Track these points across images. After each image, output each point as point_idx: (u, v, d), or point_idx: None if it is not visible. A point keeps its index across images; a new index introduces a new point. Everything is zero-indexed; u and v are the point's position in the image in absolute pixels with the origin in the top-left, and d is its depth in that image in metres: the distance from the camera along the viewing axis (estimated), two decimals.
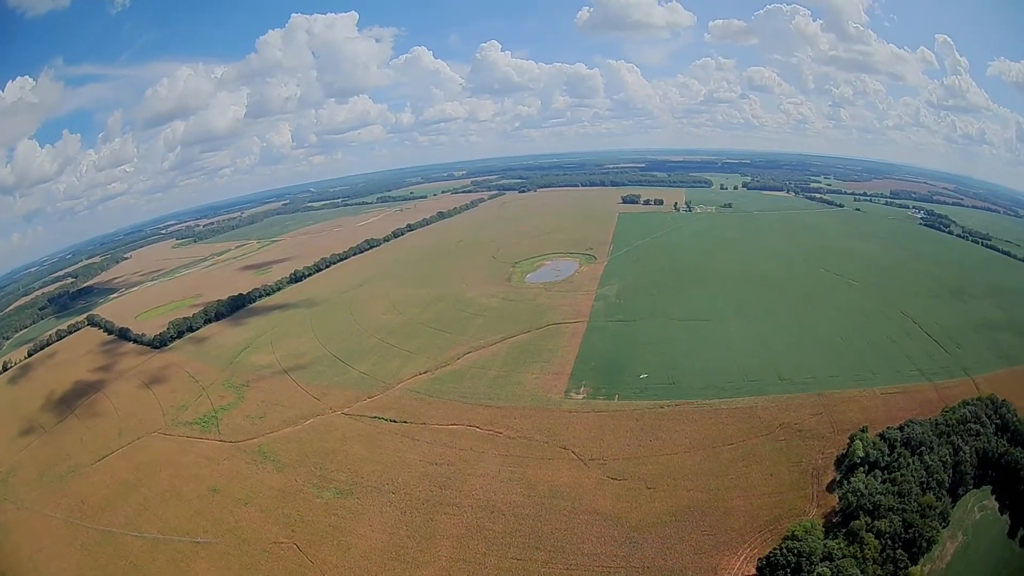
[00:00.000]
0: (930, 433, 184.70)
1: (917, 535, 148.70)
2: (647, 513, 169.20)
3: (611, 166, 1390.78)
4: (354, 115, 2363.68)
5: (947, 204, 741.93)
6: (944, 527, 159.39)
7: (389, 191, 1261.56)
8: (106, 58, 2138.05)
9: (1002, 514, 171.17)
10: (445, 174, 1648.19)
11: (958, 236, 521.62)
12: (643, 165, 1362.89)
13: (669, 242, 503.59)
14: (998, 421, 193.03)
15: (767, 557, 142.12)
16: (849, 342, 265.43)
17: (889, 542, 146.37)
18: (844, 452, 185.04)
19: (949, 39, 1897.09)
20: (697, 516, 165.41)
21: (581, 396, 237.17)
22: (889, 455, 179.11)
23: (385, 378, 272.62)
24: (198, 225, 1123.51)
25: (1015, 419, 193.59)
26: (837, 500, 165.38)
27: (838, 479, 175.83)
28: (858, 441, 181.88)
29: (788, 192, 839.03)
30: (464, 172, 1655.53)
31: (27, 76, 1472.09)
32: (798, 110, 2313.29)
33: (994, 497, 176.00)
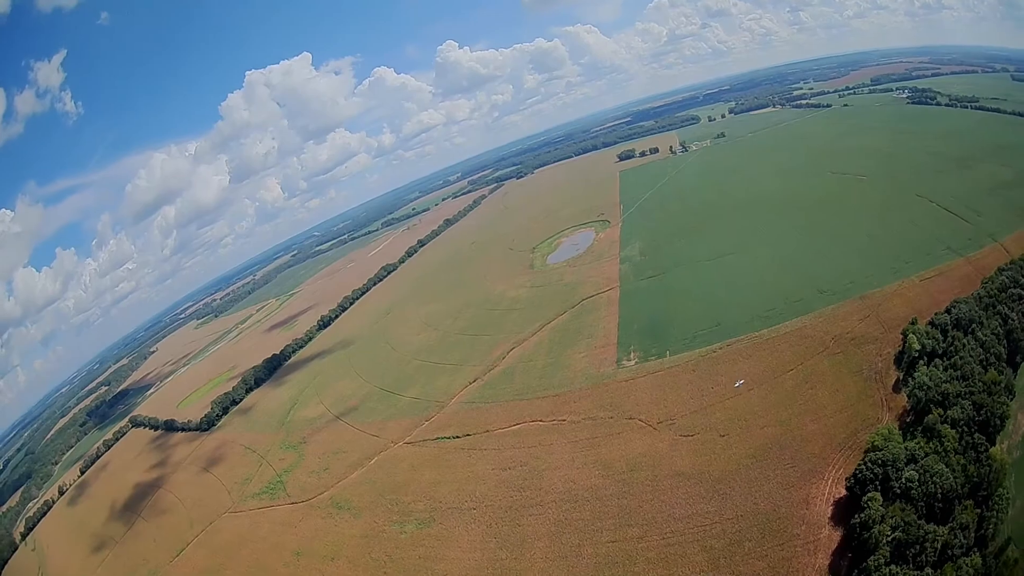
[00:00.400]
0: (976, 309, 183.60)
1: (989, 415, 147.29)
2: (727, 462, 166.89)
3: (598, 129, 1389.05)
4: (336, 151, 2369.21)
5: (927, 77, 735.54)
6: (1011, 399, 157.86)
7: (391, 213, 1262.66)
8: (77, 167, 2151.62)
9: None
10: (441, 182, 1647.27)
11: (946, 106, 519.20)
12: (628, 119, 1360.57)
13: (675, 187, 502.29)
14: None
15: (854, 475, 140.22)
16: (875, 238, 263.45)
17: (965, 429, 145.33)
18: (900, 349, 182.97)
19: None
20: (776, 452, 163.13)
21: (633, 362, 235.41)
22: (944, 341, 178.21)
23: (437, 397, 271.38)
24: (214, 300, 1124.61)
25: None
26: (906, 399, 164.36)
27: (901, 377, 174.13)
28: (911, 335, 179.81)
29: (774, 107, 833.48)
30: (459, 175, 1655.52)
31: (3, 209, 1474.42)
32: (760, 24, 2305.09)
33: None
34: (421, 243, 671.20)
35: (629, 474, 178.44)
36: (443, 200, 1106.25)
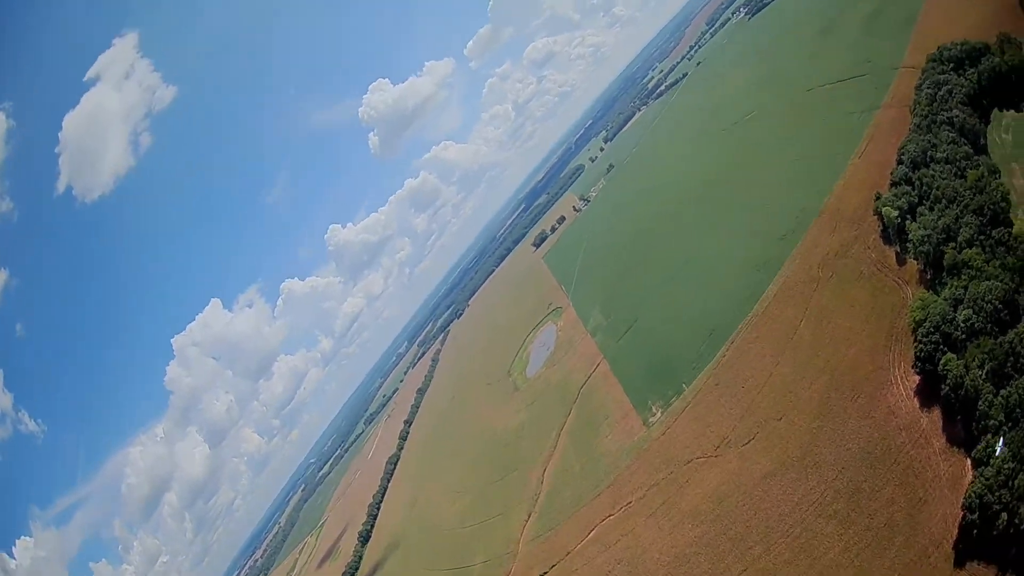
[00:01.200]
0: (921, 136, 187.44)
1: (994, 209, 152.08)
2: (799, 437, 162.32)
3: (501, 231, 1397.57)
4: (287, 379, 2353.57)
5: None
6: (999, 177, 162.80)
7: (367, 410, 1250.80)
8: (68, 483, 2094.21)
9: None
10: (394, 359, 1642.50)
11: None
12: (523, 206, 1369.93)
13: (598, 239, 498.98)
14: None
15: (916, 357, 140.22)
16: (799, 155, 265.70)
17: (981, 238, 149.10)
18: (882, 227, 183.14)
19: None
20: (835, 396, 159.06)
21: (659, 415, 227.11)
22: (914, 189, 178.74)
23: (505, 550, 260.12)
24: (256, 560, 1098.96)
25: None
26: (916, 263, 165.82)
27: (899, 249, 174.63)
28: (884, 209, 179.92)
29: (640, 110, 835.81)
30: (404, 344, 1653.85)
31: (22, 537, 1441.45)
32: (585, 44, 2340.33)
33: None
34: (408, 423, 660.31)
35: (720, 507, 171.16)
36: (405, 374, 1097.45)
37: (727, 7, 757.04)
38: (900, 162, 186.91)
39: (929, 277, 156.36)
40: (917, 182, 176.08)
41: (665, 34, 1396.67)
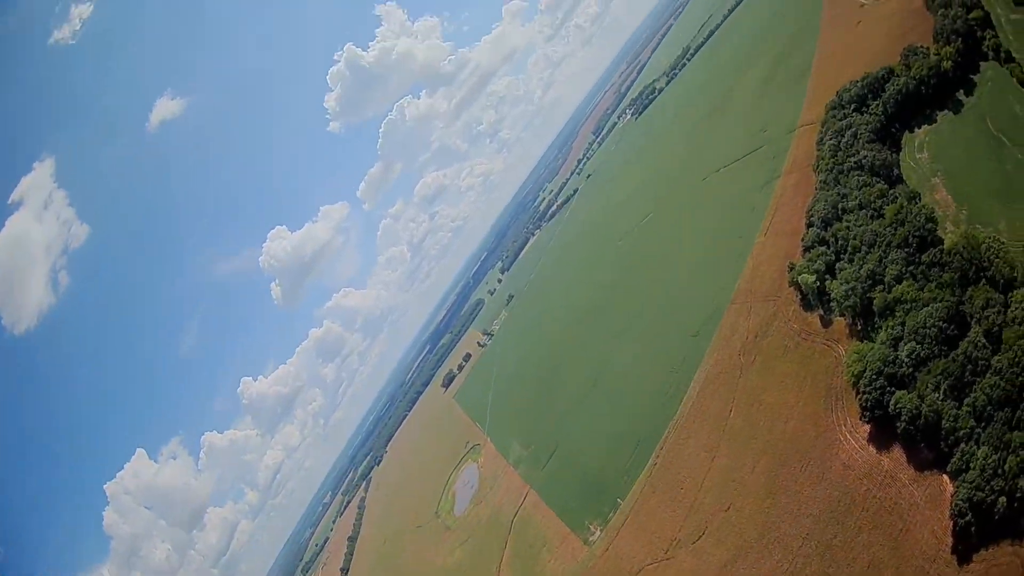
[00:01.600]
0: (830, 192, 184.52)
1: (921, 232, 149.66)
2: (750, 524, 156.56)
3: (409, 375, 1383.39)
4: (218, 529, 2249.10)
5: (637, 75, 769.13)
6: (919, 200, 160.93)
7: (301, 560, 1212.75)
8: None
9: None
10: (320, 508, 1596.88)
11: (670, 79, 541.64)
12: (428, 348, 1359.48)
13: (507, 370, 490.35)
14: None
15: (862, 407, 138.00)
16: (704, 247, 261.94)
17: (913, 268, 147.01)
18: (802, 296, 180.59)
19: None
20: (782, 475, 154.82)
21: (598, 533, 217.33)
22: (830, 247, 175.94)
23: None
24: None
25: None
26: (843, 319, 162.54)
27: (823, 312, 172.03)
28: (800, 277, 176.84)
29: (533, 235, 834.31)
30: (329, 493, 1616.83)
31: None
32: (474, 174, 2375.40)
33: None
34: (344, 570, 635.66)
35: None
36: (334, 523, 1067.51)
37: (613, 111, 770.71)
38: (810, 225, 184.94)
39: (860, 328, 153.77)
40: (832, 239, 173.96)
41: (553, 150, 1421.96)
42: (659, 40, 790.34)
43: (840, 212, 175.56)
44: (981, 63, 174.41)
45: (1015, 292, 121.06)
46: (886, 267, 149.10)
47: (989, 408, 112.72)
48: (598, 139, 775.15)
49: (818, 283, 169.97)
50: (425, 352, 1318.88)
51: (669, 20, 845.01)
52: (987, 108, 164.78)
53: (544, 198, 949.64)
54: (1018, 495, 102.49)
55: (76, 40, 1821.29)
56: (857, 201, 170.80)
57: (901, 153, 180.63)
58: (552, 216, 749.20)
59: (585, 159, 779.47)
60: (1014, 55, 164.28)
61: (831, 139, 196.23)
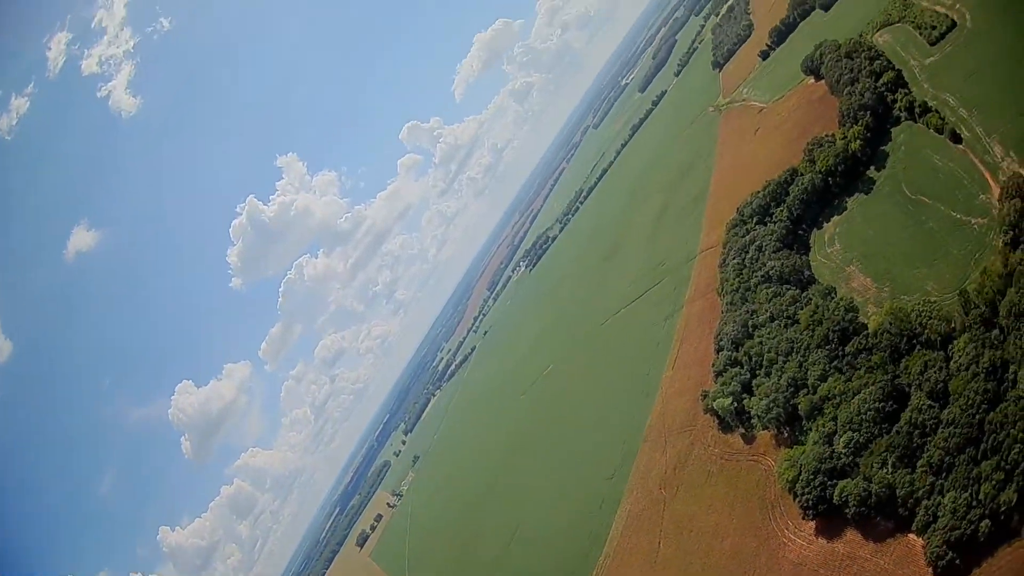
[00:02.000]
0: (738, 313, 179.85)
1: (841, 324, 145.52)
2: None
3: (323, 537, 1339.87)
4: None
5: (530, 223, 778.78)
6: (834, 296, 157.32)
7: None
8: None
9: None
10: None
11: (564, 224, 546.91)
12: (337, 510, 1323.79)
13: (422, 526, 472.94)
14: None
15: (803, 507, 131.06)
16: (610, 387, 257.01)
17: (835, 365, 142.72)
18: (719, 420, 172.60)
19: None
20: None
21: None
22: (744, 366, 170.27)
23: None
24: None
25: None
26: (767, 432, 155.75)
27: (744, 430, 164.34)
28: (715, 403, 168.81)
29: (434, 395, 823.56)
30: None
31: None
32: (372, 335, 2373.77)
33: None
34: None
35: None
36: None
37: (507, 265, 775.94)
38: (720, 349, 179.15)
39: (787, 436, 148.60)
40: (745, 359, 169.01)
41: (449, 309, 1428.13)
42: (551, 186, 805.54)
43: (751, 329, 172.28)
44: (892, 129, 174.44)
45: (955, 343, 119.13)
46: (808, 371, 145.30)
47: (947, 458, 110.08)
48: (493, 295, 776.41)
49: (735, 404, 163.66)
50: (336, 513, 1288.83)
51: (561, 164, 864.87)
52: (902, 175, 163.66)
53: (442, 357, 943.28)
54: (1003, 511, 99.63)
55: (11, 136, 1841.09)
56: (768, 314, 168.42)
57: (811, 253, 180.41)
58: (452, 375, 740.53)
59: (481, 316, 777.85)
60: (930, 103, 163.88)
61: (734, 258, 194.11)
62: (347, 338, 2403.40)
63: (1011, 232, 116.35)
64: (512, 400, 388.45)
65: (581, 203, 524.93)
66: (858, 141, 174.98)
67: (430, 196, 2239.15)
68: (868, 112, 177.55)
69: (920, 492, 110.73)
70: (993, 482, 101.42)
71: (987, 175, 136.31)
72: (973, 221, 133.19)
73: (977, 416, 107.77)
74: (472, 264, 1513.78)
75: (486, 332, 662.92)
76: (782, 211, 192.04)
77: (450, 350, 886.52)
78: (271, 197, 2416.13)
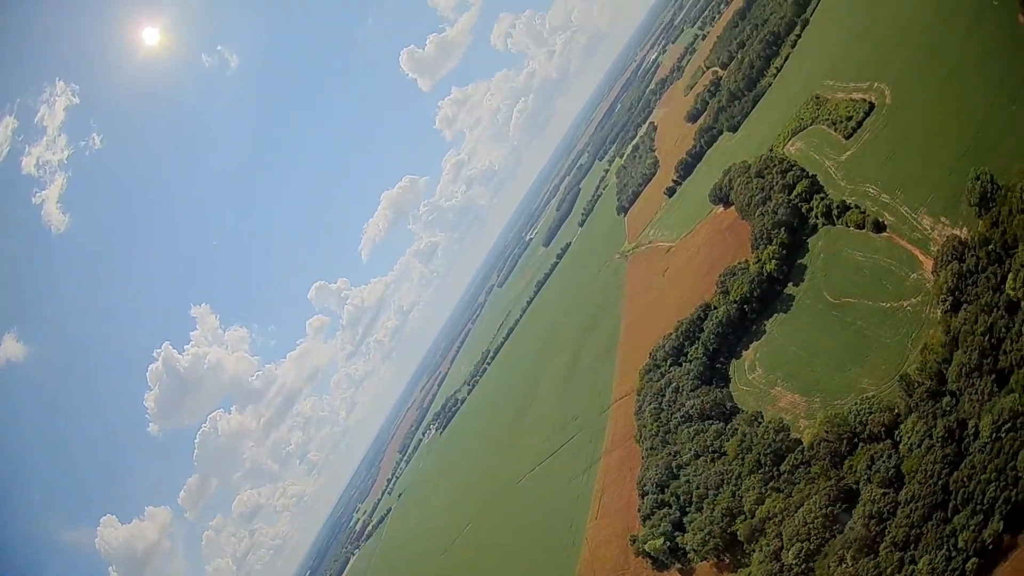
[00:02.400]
0: (659, 455, 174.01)
1: (775, 450, 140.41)
2: None
3: None
4: None
5: (438, 385, 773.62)
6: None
7: None
8: None
9: None
10: None
11: (472, 387, 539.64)
12: None
13: None
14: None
15: None
16: (530, 544, 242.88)
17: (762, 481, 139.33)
18: (652, 561, 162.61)
19: None
20: None
21: None
22: (673, 506, 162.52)
23: None
24: None
25: None
26: (704, 562, 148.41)
27: (681, 568, 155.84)
28: (647, 545, 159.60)
29: (354, 554, 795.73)
30: None
31: None
32: (289, 492, 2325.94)
33: None
34: None
35: None
36: None
37: (417, 428, 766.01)
38: (644, 494, 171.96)
39: (729, 561, 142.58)
40: (673, 499, 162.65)
41: (362, 470, 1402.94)
42: (458, 348, 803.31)
43: (676, 470, 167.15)
44: (809, 240, 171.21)
45: (902, 427, 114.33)
46: (742, 498, 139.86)
47: (913, 531, 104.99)
48: (405, 457, 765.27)
49: (668, 543, 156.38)
50: None
51: (467, 325, 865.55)
52: (822, 283, 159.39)
53: (358, 518, 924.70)
54: (989, 544, 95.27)
55: None
56: (692, 452, 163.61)
57: (731, 384, 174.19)
58: (368, 535, 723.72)
59: (394, 478, 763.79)
60: (848, 201, 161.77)
61: (650, 404, 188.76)
62: (263, 494, 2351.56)
63: (949, 298, 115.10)
64: (433, 559, 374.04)
65: (488, 363, 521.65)
66: (773, 261, 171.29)
67: (339, 358, 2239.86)
68: (782, 228, 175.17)
69: (889, 570, 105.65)
70: (971, 528, 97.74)
71: (916, 252, 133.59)
72: (905, 304, 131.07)
73: (939, 482, 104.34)
74: (383, 427, 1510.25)
75: (400, 494, 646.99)
76: (697, 349, 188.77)
77: (366, 511, 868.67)
78: (186, 347, 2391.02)
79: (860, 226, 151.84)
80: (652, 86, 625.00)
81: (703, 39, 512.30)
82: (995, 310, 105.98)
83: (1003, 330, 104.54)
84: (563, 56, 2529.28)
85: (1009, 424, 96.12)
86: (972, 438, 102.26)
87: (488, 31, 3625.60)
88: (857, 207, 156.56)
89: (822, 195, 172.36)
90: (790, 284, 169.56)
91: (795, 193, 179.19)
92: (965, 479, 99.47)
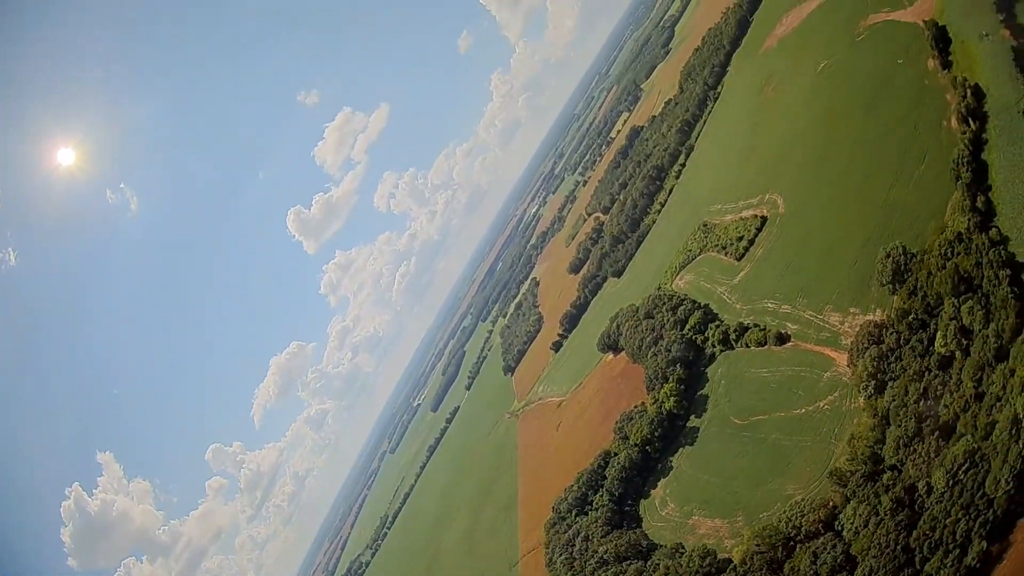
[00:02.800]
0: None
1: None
2: None
3: None
4: None
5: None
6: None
7: None
8: None
9: None
10: None
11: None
12: None
13: None
14: None
15: None
16: None
17: None
18: None
19: None
20: None
21: None
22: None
23: None
24: None
25: None
26: None
27: None
28: None
29: None
30: None
31: None
32: None
33: None
34: None
35: None
36: None
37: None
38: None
39: None
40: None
41: None
42: (356, 513, 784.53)
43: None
44: (708, 369, 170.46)
45: (842, 516, 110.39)
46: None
47: None
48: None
49: None
50: None
51: (362, 491, 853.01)
52: (727, 408, 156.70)
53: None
54: (976, 563, 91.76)
55: None
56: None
57: (643, 523, 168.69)
58: None
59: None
60: (746, 322, 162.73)
61: (561, 554, 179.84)
62: None
63: (872, 382, 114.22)
64: None
65: (388, 527, 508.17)
66: (671, 399, 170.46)
67: (240, 520, 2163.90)
68: (677, 365, 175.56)
69: None
70: (949, 565, 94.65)
71: (827, 351, 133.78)
72: (822, 404, 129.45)
73: (898, 546, 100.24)
74: None
75: None
76: (602, 496, 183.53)
77: None
78: (94, 490, 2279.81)
79: (761, 343, 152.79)
80: (533, 240, 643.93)
81: (584, 185, 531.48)
82: (927, 373, 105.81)
83: (939, 388, 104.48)
84: (444, 216, 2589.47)
85: (966, 465, 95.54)
86: (926, 495, 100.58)
87: (372, 190, 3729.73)
88: (756, 325, 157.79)
89: (717, 323, 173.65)
90: (692, 417, 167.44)
91: (688, 327, 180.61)
92: (927, 532, 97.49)
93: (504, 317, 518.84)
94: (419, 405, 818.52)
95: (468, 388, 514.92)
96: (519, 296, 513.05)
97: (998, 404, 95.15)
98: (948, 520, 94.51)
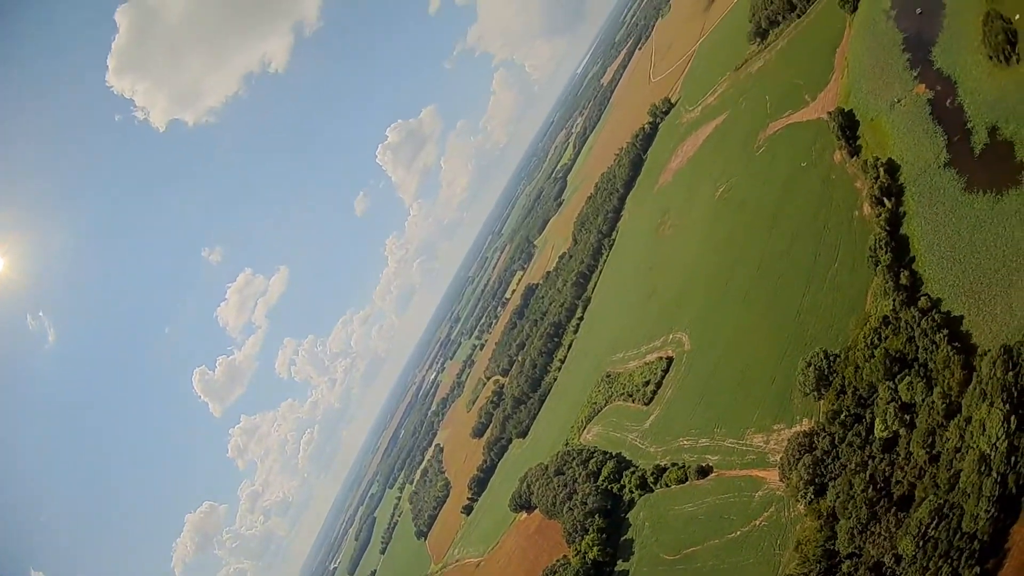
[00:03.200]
0: None
1: None
2: None
3: None
4: None
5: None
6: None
7: None
8: None
9: None
10: None
11: None
12: None
13: None
14: None
15: None
16: None
17: None
18: None
19: None
20: None
21: None
22: None
23: None
24: None
25: None
26: None
27: None
28: None
29: None
30: None
31: None
32: None
33: None
34: None
35: None
36: None
37: None
38: None
39: None
40: None
41: None
42: None
43: None
44: (629, 515, 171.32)
45: None
46: None
47: None
48: None
49: None
50: None
51: None
52: (656, 547, 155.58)
53: None
54: None
55: None
56: None
57: None
58: None
59: None
60: (663, 463, 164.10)
61: None
62: None
63: (809, 488, 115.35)
64: None
65: None
66: (595, 548, 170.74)
67: None
68: (596, 515, 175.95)
69: None
70: None
71: (754, 473, 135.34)
72: (758, 522, 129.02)
73: None
74: None
75: None
76: None
77: None
78: None
79: (682, 480, 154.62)
80: (434, 407, 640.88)
81: (481, 349, 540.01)
82: (871, 460, 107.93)
83: (887, 469, 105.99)
84: (345, 384, 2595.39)
85: (934, 522, 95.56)
86: (895, 565, 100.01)
87: (274, 356, 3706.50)
88: (674, 464, 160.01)
89: (632, 469, 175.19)
90: (620, 561, 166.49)
91: (602, 478, 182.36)
92: None
93: (411, 483, 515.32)
94: (335, 569, 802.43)
95: (383, 552, 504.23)
96: (424, 463, 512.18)
97: (958, 455, 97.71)
98: (928, 574, 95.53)
